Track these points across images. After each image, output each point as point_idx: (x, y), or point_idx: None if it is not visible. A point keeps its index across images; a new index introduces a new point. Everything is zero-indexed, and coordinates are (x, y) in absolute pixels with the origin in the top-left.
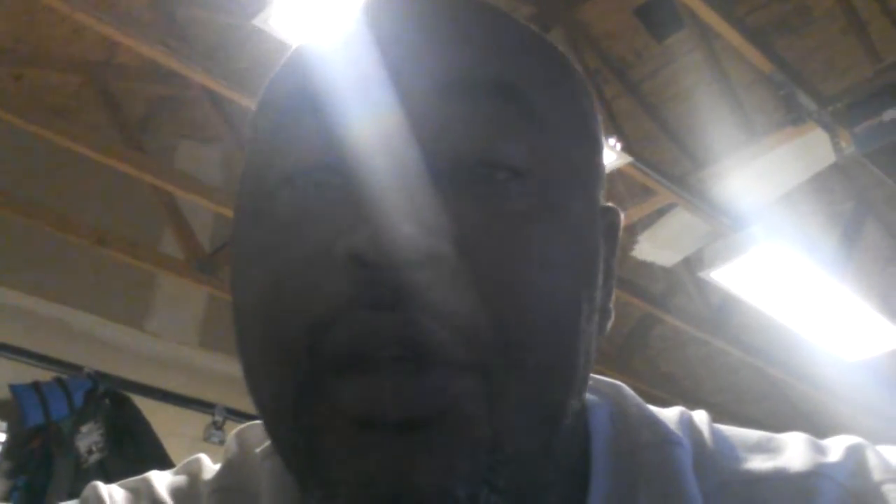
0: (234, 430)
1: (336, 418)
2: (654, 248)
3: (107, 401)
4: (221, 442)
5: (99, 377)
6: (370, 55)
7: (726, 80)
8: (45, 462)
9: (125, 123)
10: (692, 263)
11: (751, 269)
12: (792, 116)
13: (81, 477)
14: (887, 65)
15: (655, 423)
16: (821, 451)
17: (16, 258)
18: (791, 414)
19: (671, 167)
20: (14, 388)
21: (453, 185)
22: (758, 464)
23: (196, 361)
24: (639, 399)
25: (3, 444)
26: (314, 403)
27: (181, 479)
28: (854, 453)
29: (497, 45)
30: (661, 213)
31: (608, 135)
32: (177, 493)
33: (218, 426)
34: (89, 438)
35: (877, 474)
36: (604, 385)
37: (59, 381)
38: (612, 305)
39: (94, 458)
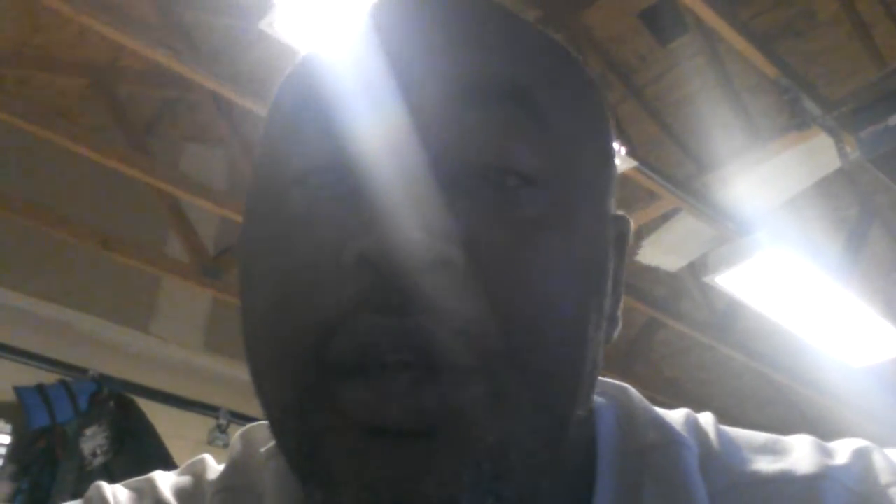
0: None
1: (341, 422)
2: (659, 253)
3: (111, 404)
4: (225, 445)
5: (103, 380)
6: (382, 59)
7: (731, 85)
8: (50, 465)
9: (130, 126)
10: (697, 268)
11: (755, 274)
12: (797, 121)
13: (85, 479)
14: (892, 69)
15: (662, 424)
16: (827, 453)
17: (21, 261)
18: (796, 420)
19: (675, 171)
20: (18, 391)
21: (464, 191)
22: (764, 465)
23: (200, 364)
24: (645, 401)
25: (7, 446)
26: (320, 406)
27: (185, 480)
28: (861, 456)
29: (510, 48)
30: (665, 217)
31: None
32: (181, 493)
33: (222, 429)
34: (94, 441)
35: (884, 477)
36: (610, 387)
37: (63, 383)
38: (619, 313)
39: (99, 460)
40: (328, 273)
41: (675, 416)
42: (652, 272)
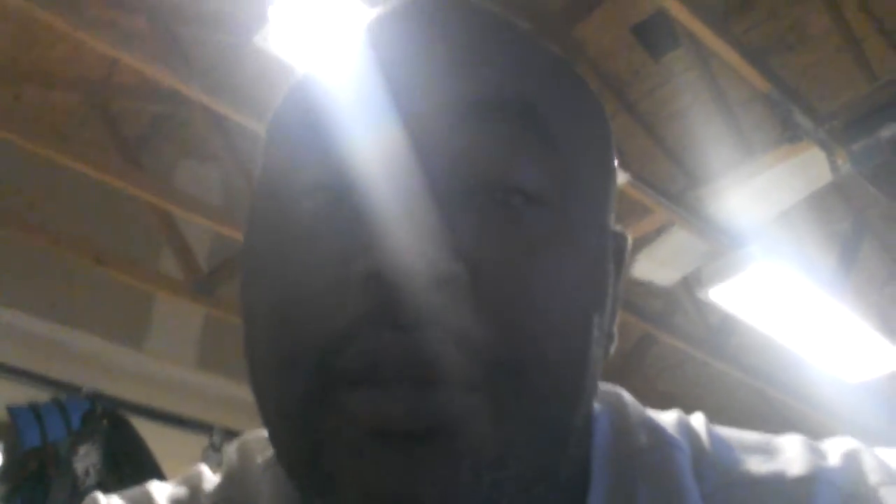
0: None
1: (346, 427)
2: (653, 267)
3: (105, 422)
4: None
5: (97, 397)
6: (384, 75)
7: (723, 99)
8: (42, 484)
9: (124, 142)
10: (690, 283)
11: (749, 288)
12: (789, 135)
13: (78, 498)
14: (883, 83)
15: (654, 427)
16: (819, 454)
17: (13, 277)
18: None
19: (669, 185)
20: (11, 410)
21: (469, 208)
22: (756, 466)
23: (194, 382)
24: (638, 404)
25: None
26: (324, 412)
27: (182, 490)
28: (851, 456)
29: (514, 63)
30: (659, 231)
31: None
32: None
33: (216, 448)
34: (87, 460)
35: (874, 477)
36: (604, 392)
37: (56, 401)
38: (616, 329)
39: (92, 479)
40: (337, 285)
41: (667, 418)
42: (646, 286)
